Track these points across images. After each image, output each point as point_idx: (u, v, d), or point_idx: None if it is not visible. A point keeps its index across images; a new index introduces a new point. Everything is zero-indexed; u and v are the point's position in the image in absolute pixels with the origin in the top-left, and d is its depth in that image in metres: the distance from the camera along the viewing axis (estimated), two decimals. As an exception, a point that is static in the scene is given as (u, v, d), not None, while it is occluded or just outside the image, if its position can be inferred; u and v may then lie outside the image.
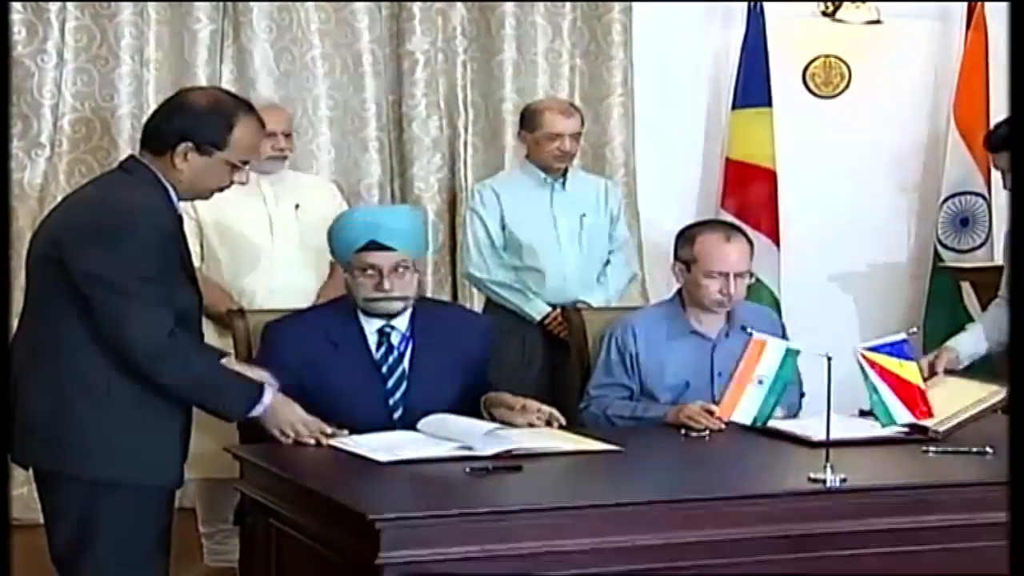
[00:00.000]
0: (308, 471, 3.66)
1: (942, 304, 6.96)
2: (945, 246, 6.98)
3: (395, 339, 4.26)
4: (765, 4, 6.77)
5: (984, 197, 6.94)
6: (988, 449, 3.84)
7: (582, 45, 6.75)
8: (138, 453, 3.63)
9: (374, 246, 4.16)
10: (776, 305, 6.53)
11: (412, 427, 4.02)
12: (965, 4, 7.00)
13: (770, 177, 6.74)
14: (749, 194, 6.76)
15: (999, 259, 6.78)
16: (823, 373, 3.56)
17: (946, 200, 6.97)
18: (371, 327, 4.26)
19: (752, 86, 6.77)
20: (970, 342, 4.69)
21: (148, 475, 3.65)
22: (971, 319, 6.80)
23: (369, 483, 3.54)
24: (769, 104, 6.77)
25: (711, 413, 4.15)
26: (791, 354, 3.63)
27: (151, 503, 3.69)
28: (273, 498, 3.68)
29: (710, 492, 3.50)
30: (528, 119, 5.67)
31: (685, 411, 4.24)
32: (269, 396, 3.80)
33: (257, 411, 3.79)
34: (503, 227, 5.63)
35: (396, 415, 4.18)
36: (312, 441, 3.84)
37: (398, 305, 4.23)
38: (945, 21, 7.10)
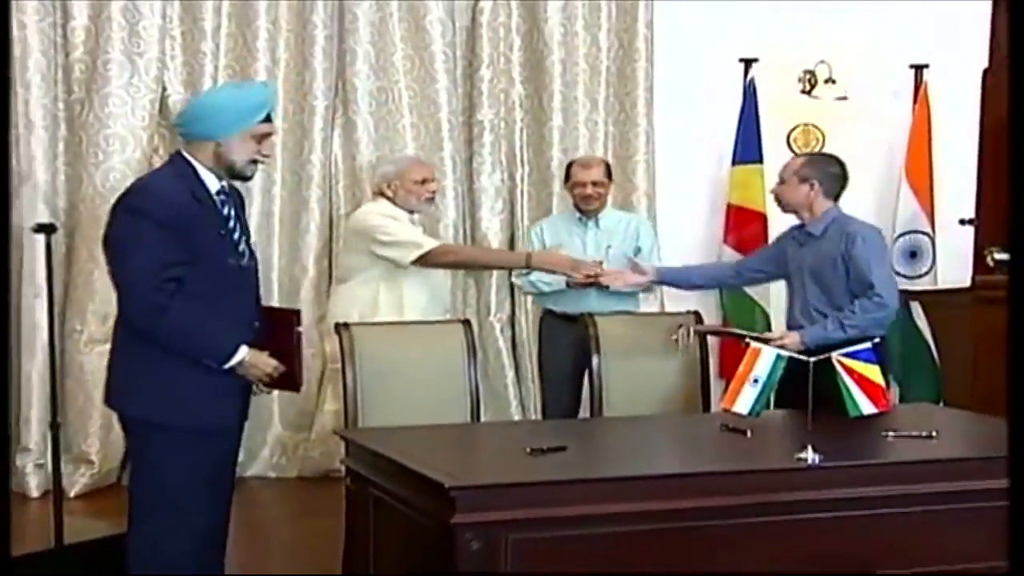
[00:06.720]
0: (399, 449, 3.56)
1: (897, 320, 6.81)
2: (898, 273, 6.84)
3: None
4: (757, 83, 6.76)
5: (928, 235, 6.86)
6: (933, 434, 3.79)
7: (614, 115, 6.72)
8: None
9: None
10: (766, 318, 6.55)
11: None
12: (912, 83, 6.96)
13: (762, 219, 6.66)
14: (745, 232, 6.68)
15: (940, 283, 6.74)
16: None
17: (899, 237, 6.86)
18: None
19: (747, 147, 6.71)
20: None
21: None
22: (919, 332, 6.75)
23: (450, 461, 3.50)
24: (761, 161, 6.69)
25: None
26: (780, 359, 3.57)
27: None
28: (371, 471, 3.64)
29: (720, 467, 3.48)
30: (567, 173, 5.70)
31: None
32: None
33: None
34: None
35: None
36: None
37: None
38: (898, 97, 7.03)
